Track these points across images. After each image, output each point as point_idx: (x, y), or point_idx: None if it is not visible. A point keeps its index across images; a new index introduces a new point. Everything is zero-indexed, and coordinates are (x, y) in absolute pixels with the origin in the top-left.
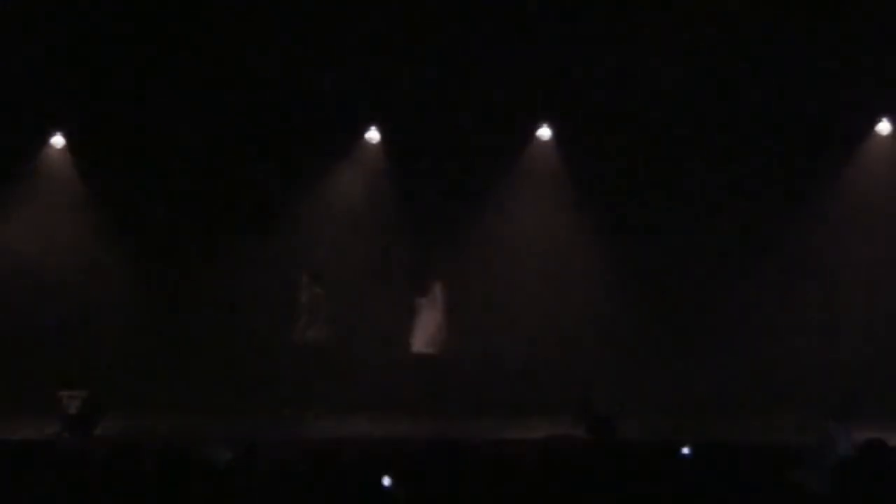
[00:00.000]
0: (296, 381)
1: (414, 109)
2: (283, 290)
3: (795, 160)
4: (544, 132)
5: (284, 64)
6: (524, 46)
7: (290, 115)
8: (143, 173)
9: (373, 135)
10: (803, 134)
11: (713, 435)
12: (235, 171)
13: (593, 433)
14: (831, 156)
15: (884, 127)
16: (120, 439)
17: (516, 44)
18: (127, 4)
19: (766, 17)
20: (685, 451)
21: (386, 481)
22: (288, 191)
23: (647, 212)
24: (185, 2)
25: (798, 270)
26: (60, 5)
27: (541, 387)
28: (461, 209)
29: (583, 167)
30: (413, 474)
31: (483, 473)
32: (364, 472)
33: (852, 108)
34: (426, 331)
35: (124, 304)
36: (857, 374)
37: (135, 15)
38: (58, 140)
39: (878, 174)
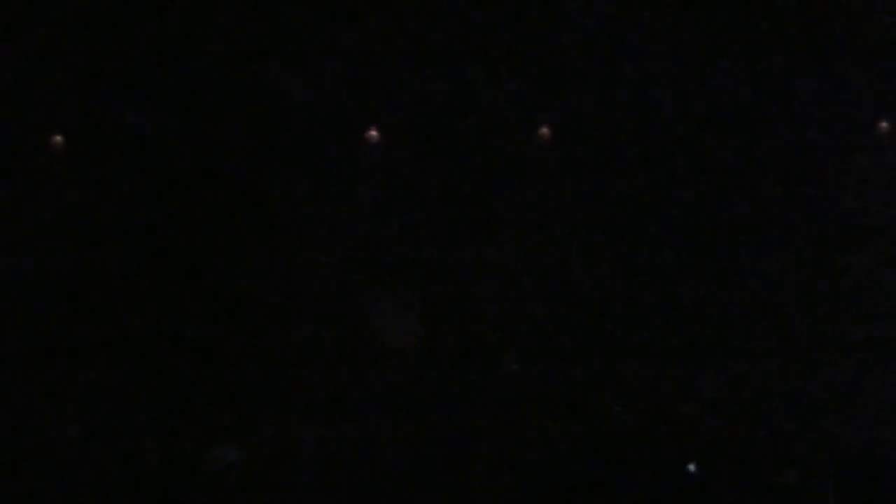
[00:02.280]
0: (294, 381)
1: (413, 110)
2: (281, 291)
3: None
4: (544, 132)
5: (283, 64)
6: (522, 46)
7: (290, 115)
8: (142, 174)
9: (373, 134)
10: (803, 132)
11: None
12: (235, 171)
13: None
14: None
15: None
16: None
17: (514, 43)
18: (127, 5)
19: (766, 17)
20: (691, 468)
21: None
22: (288, 191)
23: (648, 212)
24: (184, 2)
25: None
26: (60, 5)
27: (532, 387)
28: (460, 209)
29: (583, 167)
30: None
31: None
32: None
33: (853, 108)
34: (400, 326)
35: (123, 304)
36: None
37: (134, 16)
38: (58, 140)
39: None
